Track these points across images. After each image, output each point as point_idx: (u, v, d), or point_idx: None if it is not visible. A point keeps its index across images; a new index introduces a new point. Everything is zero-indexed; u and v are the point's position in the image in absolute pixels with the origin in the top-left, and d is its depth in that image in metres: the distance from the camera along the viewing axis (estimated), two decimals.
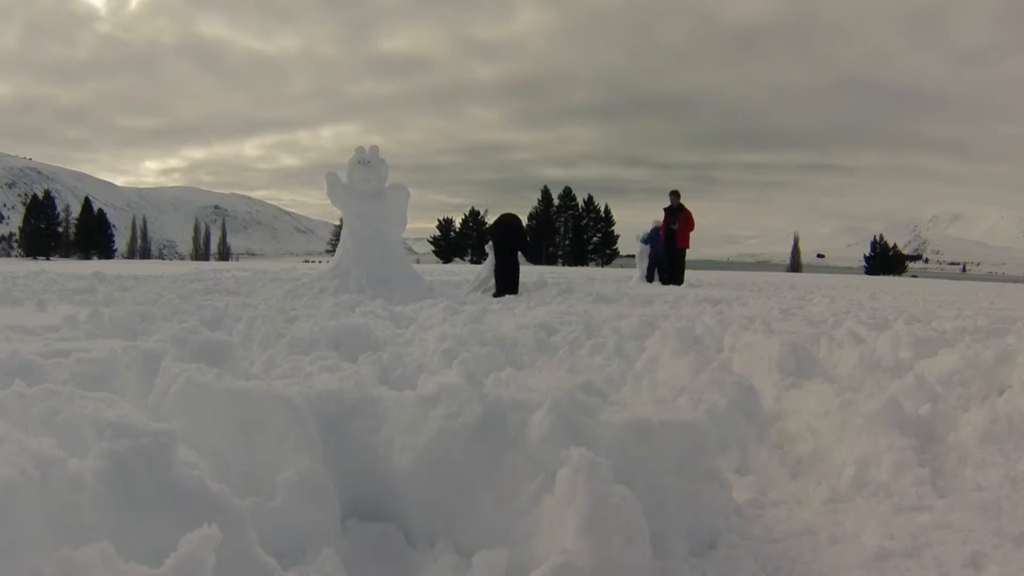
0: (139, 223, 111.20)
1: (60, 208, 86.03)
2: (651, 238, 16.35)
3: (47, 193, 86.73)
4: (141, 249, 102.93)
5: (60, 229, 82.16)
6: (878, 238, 77.80)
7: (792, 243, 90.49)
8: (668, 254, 15.32)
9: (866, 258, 75.81)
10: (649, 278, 15.92)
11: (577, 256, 67.27)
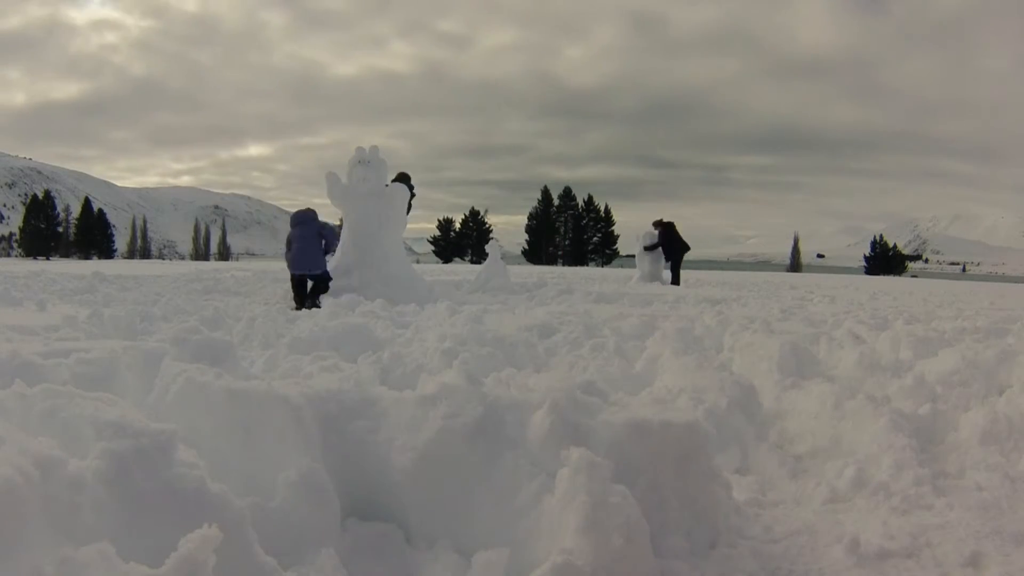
0: (139, 223, 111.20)
1: (60, 208, 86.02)
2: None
3: (47, 193, 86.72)
4: (141, 249, 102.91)
5: (60, 229, 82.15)
6: (878, 238, 77.81)
7: (792, 243, 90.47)
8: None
9: (866, 258, 75.82)
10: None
11: (577, 256, 67.24)
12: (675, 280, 16.21)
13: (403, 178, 10.32)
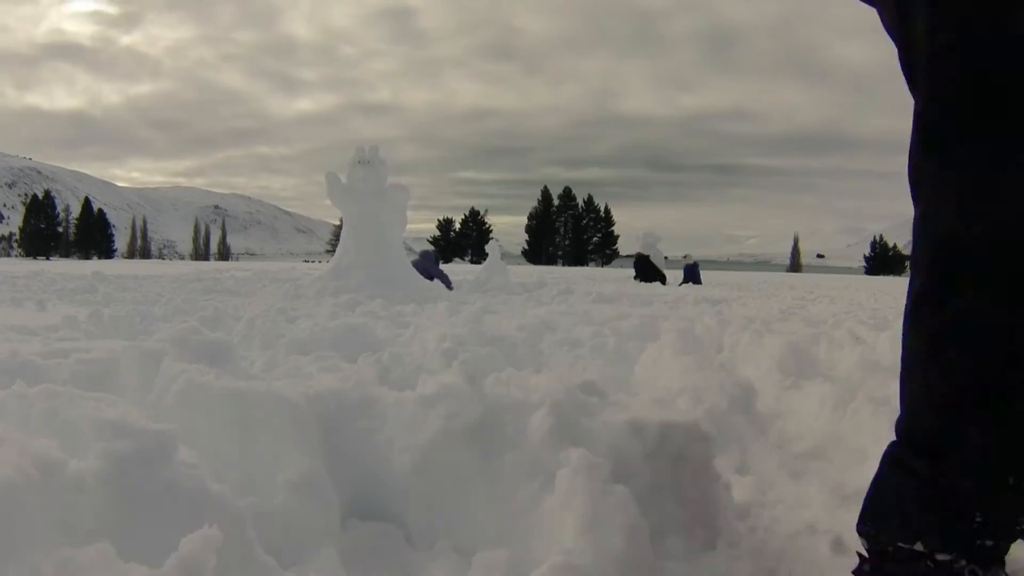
0: (139, 223, 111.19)
1: (60, 208, 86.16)
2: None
3: (47, 193, 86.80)
4: (141, 249, 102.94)
5: (60, 229, 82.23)
6: (878, 238, 77.95)
7: (792, 243, 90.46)
8: None
9: (866, 258, 75.94)
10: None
11: (577, 256, 67.27)
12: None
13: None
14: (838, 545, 1.73)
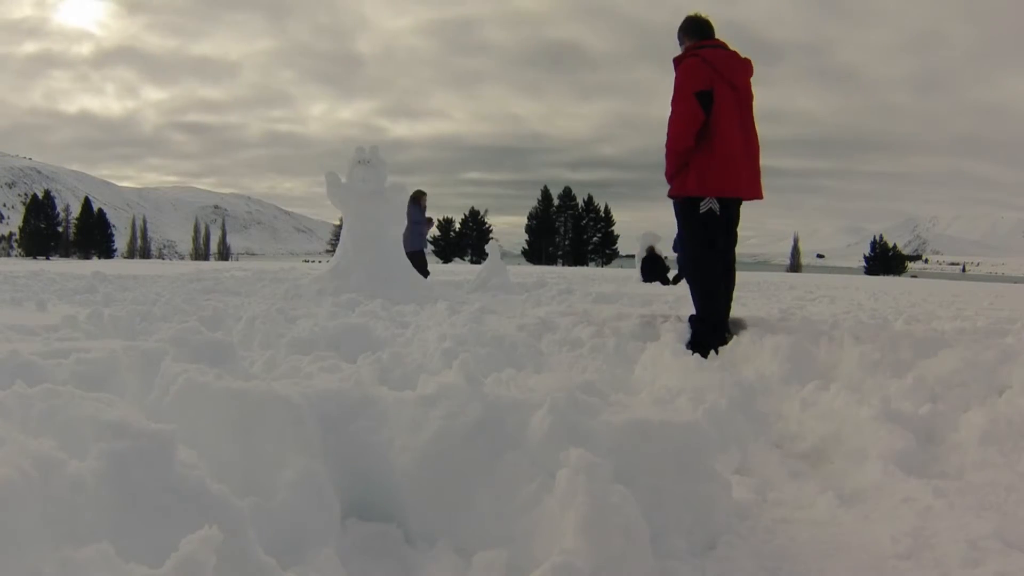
0: (139, 223, 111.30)
1: (60, 208, 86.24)
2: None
3: (47, 193, 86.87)
4: (141, 249, 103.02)
5: (60, 229, 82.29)
6: (878, 238, 78.04)
7: (792, 243, 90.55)
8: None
9: (866, 258, 76.04)
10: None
11: (577, 256, 67.32)
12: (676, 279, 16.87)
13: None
14: (838, 545, 1.73)
